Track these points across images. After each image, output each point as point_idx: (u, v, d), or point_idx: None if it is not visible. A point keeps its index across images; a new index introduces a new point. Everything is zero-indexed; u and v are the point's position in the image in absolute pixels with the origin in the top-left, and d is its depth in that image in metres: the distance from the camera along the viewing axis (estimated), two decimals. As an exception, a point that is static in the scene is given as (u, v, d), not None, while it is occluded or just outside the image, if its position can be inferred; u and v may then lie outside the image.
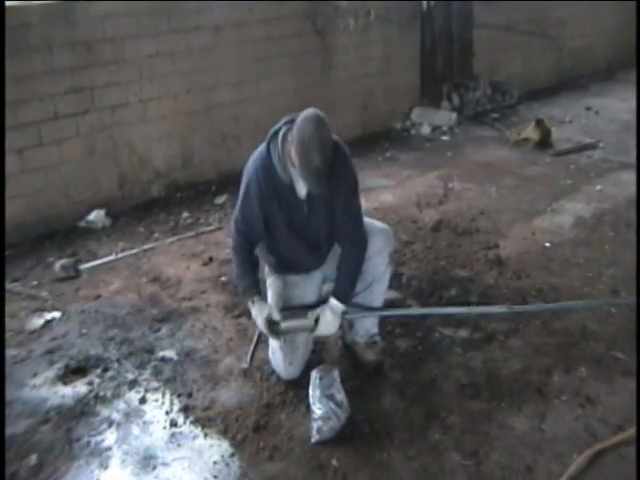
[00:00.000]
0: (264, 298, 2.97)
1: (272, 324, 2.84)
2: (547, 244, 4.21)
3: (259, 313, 2.86)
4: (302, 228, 2.88)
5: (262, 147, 2.79)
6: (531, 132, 6.19)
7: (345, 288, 2.89)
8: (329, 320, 2.86)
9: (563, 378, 2.94)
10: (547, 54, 8.22)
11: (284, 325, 2.87)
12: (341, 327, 3.06)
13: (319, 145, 2.53)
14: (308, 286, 3.04)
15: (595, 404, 2.77)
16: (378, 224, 3.06)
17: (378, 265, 2.95)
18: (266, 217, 2.83)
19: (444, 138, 6.64)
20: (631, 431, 2.59)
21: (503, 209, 4.79)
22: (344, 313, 2.89)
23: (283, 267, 3.03)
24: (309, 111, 2.62)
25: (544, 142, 6.11)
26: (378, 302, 3.07)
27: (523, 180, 5.36)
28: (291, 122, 2.67)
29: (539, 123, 6.19)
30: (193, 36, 5.16)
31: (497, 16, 7.39)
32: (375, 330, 3.13)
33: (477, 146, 6.31)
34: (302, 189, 2.77)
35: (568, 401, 2.79)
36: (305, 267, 3.02)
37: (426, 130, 6.79)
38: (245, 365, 3.08)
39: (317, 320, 2.87)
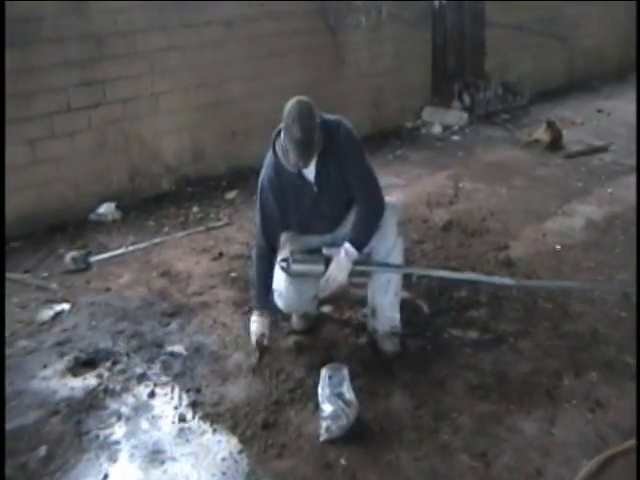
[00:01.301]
0: (270, 315, 3.13)
1: (283, 261, 2.98)
2: (558, 246, 4.19)
3: (257, 326, 3.05)
4: (314, 207, 2.98)
5: (269, 152, 2.95)
6: (542, 133, 6.18)
7: (359, 237, 2.97)
8: (342, 263, 2.94)
9: (573, 382, 2.92)
10: (558, 54, 8.18)
11: (295, 267, 2.95)
12: (365, 316, 3.20)
13: (297, 118, 2.69)
14: (318, 240, 3.13)
15: (606, 409, 2.75)
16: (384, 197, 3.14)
17: (388, 235, 3.02)
18: (283, 208, 2.96)
19: (455, 138, 6.62)
20: (641, 437, 2.58)
21: (513, 210, 4.77)
22: (356, 263, 2.96)
23: (296, 229, 3.13)
24: (294, 97, 2.80)
25: (555, 144, 6.09)
26: (394, 279, 3.12)
27: (534, 181, 5.34)
28: None
29: (550, 124, 6.17)
30: (205, 30, 5.17)
31: (509, 15, 7.37)
32: (397, 322, 3.18)
33: (488, 146, 6.29)
34: (310, 174, 2.90)
35: (578, 405, 2.78)
36: (317, 231, 3.13)
37: (437, 129, 6.78)
38: (254, 361, 3.08)
39: (328, 264, 2.95)
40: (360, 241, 2.96)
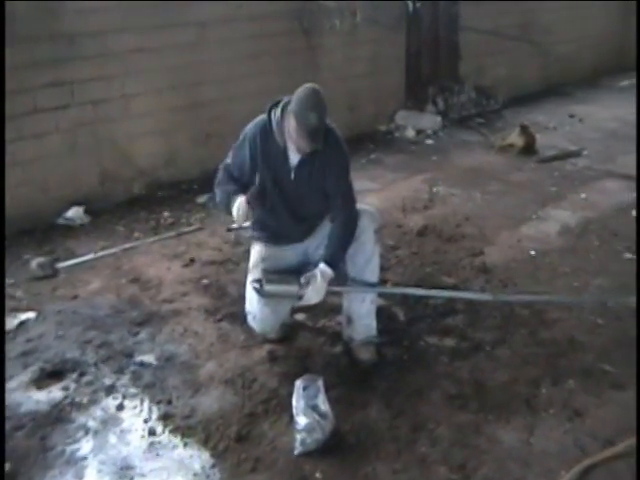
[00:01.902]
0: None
1: (256, 283, 2.93)
2: (533, 252, 4.18)
3: (241, 203, 2.88)
4: (287, 194, 2.97)
5: (262, 115, 2.94)
6: (516, 138, 6.17)
7: (335, 254, 2.94)
8: (318, 285, 2.87)
9: (551, 390, 2.89)
10: (532, 60, 8.21)
11: (268, 288, 2.89)
12: (340, 324, 3.16)
13: (315, 105, 2.71)
14: (290, 256, 3.12)
15: (584, 417, 2.73)
16: (361, 205, 3.11)
17: (366, 243, 3.00)
18: (254, 166, 2.93)
19: (429, 142, 6.60)
20: (621, 446, 2.55)
21: (489, 215, 4.76)
22: (330, 284, 2.91)
23: (268, 236, 3.10)
24: (307, 84, 2.81)
25: (529, 148, 6.09)
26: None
27: (508, 186, 5.33)
28: (290, 99, 2.82)
29: (524, 129, 6.18)
30: (179, 32, 5.08)
31: (484, 20, 7.38)
32: (373, 331, 3.14)
33: (462, 150, 6.28)
34: (294, 158, 2.91)
35: (557, 414, 2.75)
36: (288, 239, 3.11)
37: (411, 133, 6.75)
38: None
39: (304, 286, 2.89)
40: (335, 259, 2.93)
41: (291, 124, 2.75)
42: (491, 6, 7.36)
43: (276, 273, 3.00)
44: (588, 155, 6.03)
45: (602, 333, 3.31)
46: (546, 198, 5.04)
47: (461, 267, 3.98)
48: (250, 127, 2.98)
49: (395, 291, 3.54)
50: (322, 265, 2.90)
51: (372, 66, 6.61)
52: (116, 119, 4.87)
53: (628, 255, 4.08)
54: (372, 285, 3.08)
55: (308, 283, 2.88)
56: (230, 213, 2.97)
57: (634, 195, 5.04)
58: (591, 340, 3.25)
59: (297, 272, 3.00)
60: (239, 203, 2.88)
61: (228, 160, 3.06)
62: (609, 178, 5.45)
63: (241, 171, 3.00)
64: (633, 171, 5.46)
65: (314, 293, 2.90)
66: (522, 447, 2.58)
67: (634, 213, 4.68)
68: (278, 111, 2.86)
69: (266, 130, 2.90)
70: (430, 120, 6.90)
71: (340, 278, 3.02)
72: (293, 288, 2.90)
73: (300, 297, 2.92)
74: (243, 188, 2.96)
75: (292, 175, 2.94)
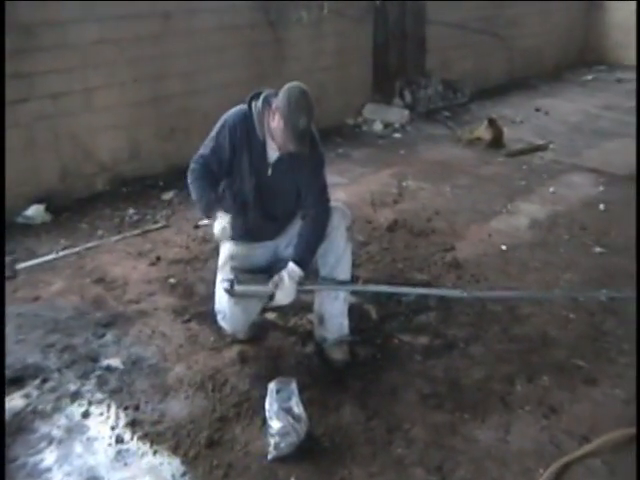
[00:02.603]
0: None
1: (226, 282, 2.85)
2: (503, 246, 4.16)
3: (223, 221, 2.81)
4: (262, 190, 2.90)
5: (242, 105, 2.86)
6: (483, 131, 6.18)
7: (304, 255, 2.88)
8: (287, 286, 2.81)
9: (526, 387, 2.87)
10: (498, 53, 8.24)
11: (238, 288, 2.83)
12: (311, 322, 3.12)
13: (306, 108, 2.67)
14: (260, 254, 3.05)
15: (559, 414, 2.71)
16: (332, 203, 3.05)
17: (337, 241, 2.94)
18: (232, 158, 2.85)
19: (396, 135, 6.57)
20: (595, 442, 2.54)
21: (458, 209, 4.73)
22: (301, 283, 2.86)
23: (238, 233, 2.96)
24: (294, 82, 2.75)
25: (496, 142, 6.10)
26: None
27: (477, 180, 5.32)
28: (272, 92, 2.79)
29: (491, 122, 6.18)
30: (141, 23, 4.94)
31: (450, 13, 7.38)
32: (346, 330, 3.09)
33: (430, 144, 6.26)
34: (272, 154, 2.85)
35: (532, 411, 2.72)
36: (259, 236, 3.04)
37: (378, 127, 6.71)
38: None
39: (275, 288, 2.82)
40: (305, 259, 2.87)
41: (278, 125, 2.68)
42: (457, 0, 7.34)
43: (246, 273, 2.93)
44: (555, 149, 6.06)
45: (574, 328, 3.31)
46: (515, 192, 5.05)
47: (432, 262, 3.94)
48: (230, 116, 2.87)
49: (367, 289, 3.48)
50: (291, 265, 2.84)
51: (339, 59, 6.55)
52: (77, 113, 4.72)
53: (597, 249, 4.10)
54: (344, 283, 3.02)
55: (277, 284, 2.81)
56: (206, 217, 2.94)
57: (600, 189, 5.09)
58: (563, 335, 3.24)
59: (268, 271, 2.93)
60: (222, 226, 2.80)
61: (204, 151, 2.90)
62: (576, 172, 5.48)
63: (220, 162, 2.87)
64: (598, 165, 5.55)
65: (283, 294, 2.83)
66: (499, 446, 2.55)
67: (602, 207, 4.71)
68: (259, 104, 2.79)
69: (247, 122, 2.81)
70: (398, 114, 6.87)
71: (310, 276, 2.95)
72: (264, 289, 2.84)
73: (271, 298, 2.85)
74: (221, 195, 2.92)
75: (269, 171, 2.87)
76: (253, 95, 2.84)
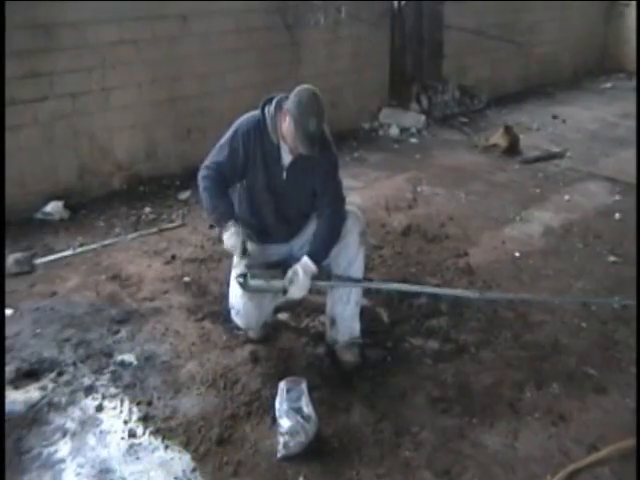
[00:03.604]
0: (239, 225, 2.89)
1: (240, 277, 2.84)
2: (517, 253, 4.17)
3: (235, 235, 2.81)
4: (277, 193, 2.92)
5: (254, 111, 2.88)
6: (499, 138, 6.18)
7: (318, 251, 2.87)
8: (301, 280, 2.80)
9: (535, 394, 2.87)
10: (515, 60, 8.23)
11: (253, 283, 2.83)
12: (323, 324, 3.11)
13: (316, 110, 2.67)
14: (274, 255, 3.06)
15: (568, 422, 2.72)
16: (346, 206, 3.06)
17: (350, 245, 2.95)
18: (246, 164, 2.86)
19: (412, 140, 6.58)
20: (605, 451, 2.54)
21: (472, 215, 4.74)
22: (315, 277, 2.85)
23: (252, 233, 2.99)
24: (305, 85, 2.77)
25: (512, 149, 6.10)
26: (355, 289, 3.05)
27: (492, 186, 5.33)
28: (284, 97, 2.79)
29: (507, 129, 6.18)
30: (159, 24, 5.00)
31: (467, 19, 7.37)
32: (357, 332, 3.10)
33: (445, 150, 6.27)
34: (286, 157, 2.86)
35: (541, 418, 2.73)
36: (273, 238, 3.05)
37: (394, 131, 6.72)
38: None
39: (288, 282, 2.82)
40: (319, 255, 2.86)
41: (289, 127, 2.70)
42: (475, 5, 7.35)
43: (261, 267, 2.94)
44: (571, 156, 6.04)
45: (586, 336, 3.31)
46: (529, 199, 5.04)
47: (445, 268, 3.95)
48: (242, 123, 2.88)
49: (380, 286, 3.48)
50: (305, 259, 2.83)
51: (355, 63, 6.58)
52: (95, 112, 4.79)
53: (611, 258, 4.09)
54: (357, 280, 3.03)
55: (291, 279, 2.81)
56: (219, 226, 2.94)
57: (616, 198, 5.07)
58: (575, 343, 3.24)
59: (281, 266, 2.93)
60: (233, 241, 2.81)
61: (217, 158, 2.88)
62: (592, 180, 5.46)
63: (233, 168, 2.87)
64: (615, 173, 5.53)
65: (297, 288, 2.82)
66: (506, 452, 2.56)
67: (617, 216, 4.70)
68: (272, 108, 2.80)
69: (260, 127, 2.83)
70: (414, 118, 6.88)
71: (324, 277, 2.97)
72: (278, 283, 2.84)
73: (284, 292, 2.85)
74: (231, 203, 2.92)
75: (284, 175, 2.88)
76: (266, 100, 2.86)
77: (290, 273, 2.82)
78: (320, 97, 2.72)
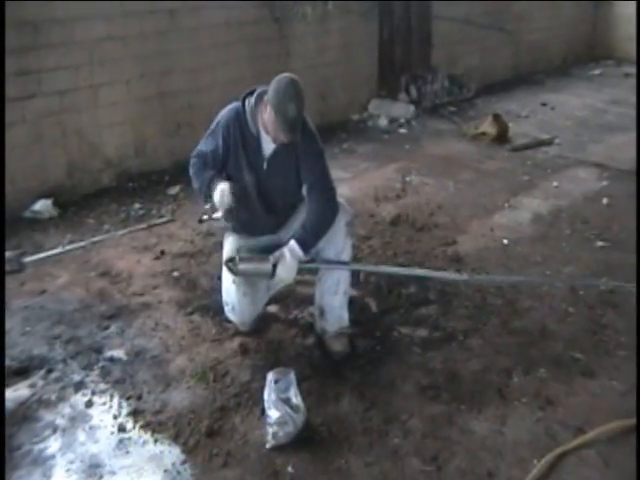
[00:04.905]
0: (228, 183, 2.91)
1: (229, 262, 2.90)
2: (505, 241, 4.18)
3: (220, 192, 2.82)
4: (260, 184, 2.94)
5: (235, 102, 2.93)
6: (488, 126, 6.19)
7: (306, 238, 2.87)
8: (288, 263, 2.82)
9: (523, 379, 2.90)
10: (504, 48, 8.23)
11: (242, 266, 2.87)
12: (312, 315, 3.17)
13: (294, 96, 2.69)
14: (263, 247, 3.05)
15: (555, 406, 2.74)
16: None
17: (337, 236, 2.96)
18: (227, 154, 2.91)
19: (402, 130, 6.58)
20: (591, 433, 2.56)
21: (461, 204, 4.76)
22: (302, 262, 2.87)
23: (241, 226, 3.06)
24: (284, 73, 2.78)
25: (501, 137, 6.11)
26: (343, 279, 3.05)
27: (481, 175, 5.34)
28: (266, 89, 2.80)
29: (496, 118, 6.19)
30: (147, 20, 4.99)
31: (456, 8, 7.38)
32: (346, 322, 3.12)
33: (435, 139, 6.28)
34: (268, 148, 2.89)
35: (528, 403, 2.75)
36: (261, 230, 3.09)
37: (383, 122, 6.73)
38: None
39: (275, 265, 2.84)
40: (307, 242, 2.86)
41: (269, 115, 2.72)
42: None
43: (250, 252, 2.97)
44: (560, 143, 6.06)
45: (573, 321, 3.33)
46: (518, 186, 5.06)
47: (434, 256, 3.97)
48: (223, 114, 2.93)
49: (367, 269, 3.52)
50: (292, 242, 2.84)
51: (344, 54, 6.58)
52: (84, 109, 4.78)
53: (599, 243, 4.11)
54: (344, 262, 3.03)
55: (278, 259, 2.82)
56: (210, 197, 2.91)
57: (604, 183, 5.10)
58: (562, 328, 3.26)
59: (270, 252, 2.94)
60: (221, 189, 2.83)
61: (202, 147, 2.99)
62: (580, 166, 5.48)
63: (215, 158, 2.94)
64: (603, 159, 5.55)
65: (285, 269, 2.83)
66: (494, 437, 2.58)
67: (605, 201, 4.72)
68: (252, 99, 2.84)
69: (240, 118, 2.87)
70: (403, 109, 6.88)
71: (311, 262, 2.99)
72: (266, 266, 2.85)
73: (272, 275, 2.86)
74: (220, 174, 2.93)
75: (265, 165, 2.91)
76: (247, 93, 2.89)
77: (277, 254, 2.84)
78: (299, 83, 2.74)
